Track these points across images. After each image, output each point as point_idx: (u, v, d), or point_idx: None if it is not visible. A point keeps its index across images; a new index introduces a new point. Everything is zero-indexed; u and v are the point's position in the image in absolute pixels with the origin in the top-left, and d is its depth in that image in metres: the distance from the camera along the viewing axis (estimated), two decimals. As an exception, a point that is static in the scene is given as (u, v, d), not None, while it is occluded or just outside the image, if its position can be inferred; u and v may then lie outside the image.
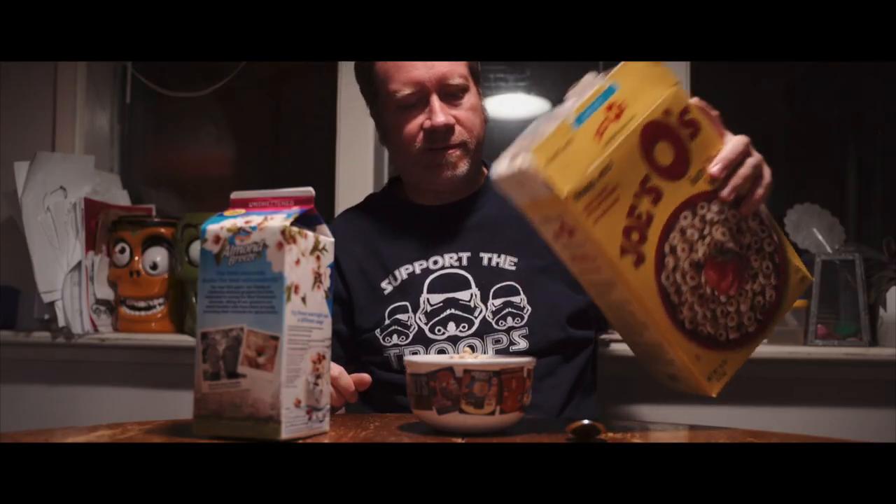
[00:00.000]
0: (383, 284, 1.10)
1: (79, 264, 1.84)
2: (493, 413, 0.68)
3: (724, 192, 0.73)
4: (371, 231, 1.16)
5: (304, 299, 0.64)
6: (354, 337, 1.12)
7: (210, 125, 2.24)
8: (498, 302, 1.06)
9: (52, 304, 1.81)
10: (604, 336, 1.33)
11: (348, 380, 0.86)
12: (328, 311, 0.68)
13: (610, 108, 0.68)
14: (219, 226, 0.65)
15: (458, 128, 1.06)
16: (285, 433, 0.62)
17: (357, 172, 1.93)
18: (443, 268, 1.08)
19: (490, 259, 1.08)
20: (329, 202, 1.94)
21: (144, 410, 1.86)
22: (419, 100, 1.06)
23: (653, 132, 0.69)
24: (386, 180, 2.02)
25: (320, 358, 0.67)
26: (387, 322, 1.07)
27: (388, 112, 1.10)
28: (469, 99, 1.08)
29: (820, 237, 1.55)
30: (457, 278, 1.08)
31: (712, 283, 0.72)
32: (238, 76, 2.12)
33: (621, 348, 1.34)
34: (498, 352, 1.04)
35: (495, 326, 1.05)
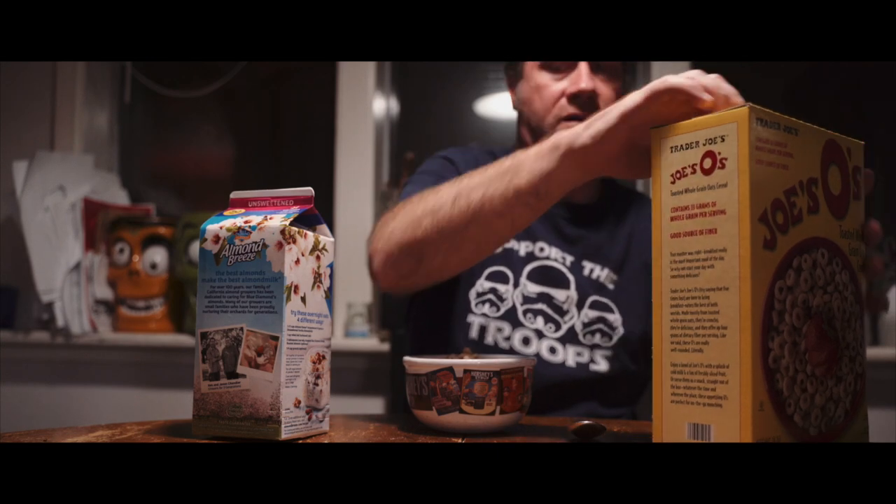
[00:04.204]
0: None
1: (78, 264, 1.84)
2: (493, 413, 0.67)
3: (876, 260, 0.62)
4: None
5: (303, 299, 0.64)
6: None
7: (210, 125, 2.24)
8: (592, 314, 1.01)
9: (50, 304, 1.80)
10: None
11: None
12: (328, 311, 0.68)
13: None
14: (218, 225, 0.65)
15: (601, 101, 1.01)
16: (285, 433, 0.61)
17: (357, 172, 1.93)
18: (548, 258, 1.03)
19: (592, 270, 1.04)
20: (329, 202, 1.94)
21: (144, 410, 1.86)
22: (568, 66, 1.02)
23: (832, 152, 0.59)
24: (386, 180, 2.02)
25: (320, 358, 0.66)
26: (484, 288, 1.02)
27: (532, 71, 1.05)
28: (614, 85, 1.04)
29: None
30: (558, 274, 1.03)
31: (809, 343, 0.55)
32: (238, 76, 2.12)
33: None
34: (579, 364, 1.00)
35: (581, 339, 1.00)
